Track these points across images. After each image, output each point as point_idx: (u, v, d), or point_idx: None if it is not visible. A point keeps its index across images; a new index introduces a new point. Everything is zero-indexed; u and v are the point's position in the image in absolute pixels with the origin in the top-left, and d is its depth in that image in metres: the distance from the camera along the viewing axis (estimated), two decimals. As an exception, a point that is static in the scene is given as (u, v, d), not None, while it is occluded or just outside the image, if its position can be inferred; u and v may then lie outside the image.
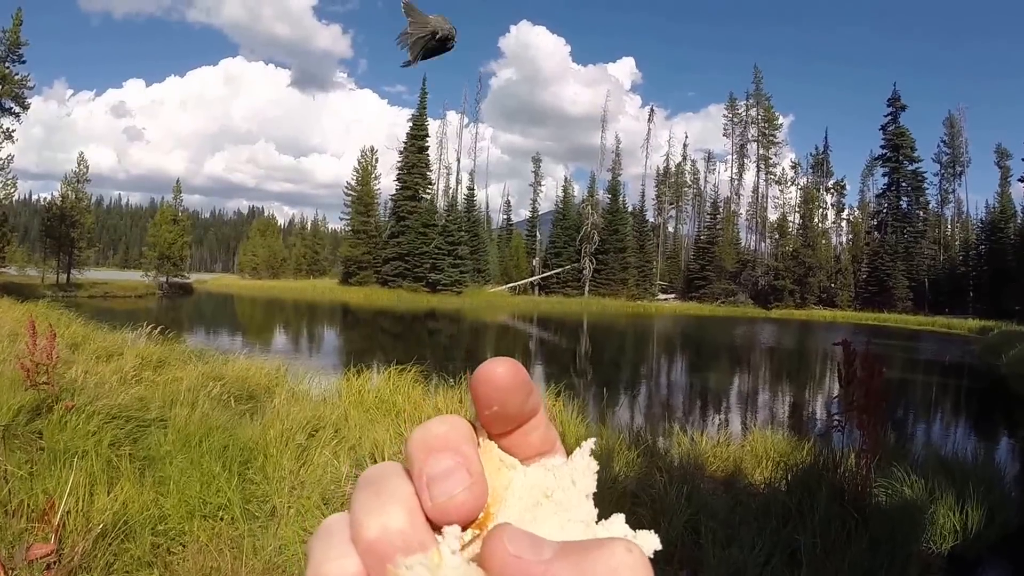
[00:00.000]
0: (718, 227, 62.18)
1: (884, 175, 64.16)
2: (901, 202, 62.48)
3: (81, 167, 47.26)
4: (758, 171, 64.68)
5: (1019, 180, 51.98)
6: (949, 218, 64.08)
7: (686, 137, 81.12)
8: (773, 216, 63.64)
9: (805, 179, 64.77)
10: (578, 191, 64.25)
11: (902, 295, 57.26)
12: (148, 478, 4.07)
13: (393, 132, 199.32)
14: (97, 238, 61.28)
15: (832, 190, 65.82)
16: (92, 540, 3.23)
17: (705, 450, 6.55)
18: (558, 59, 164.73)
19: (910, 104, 65.55)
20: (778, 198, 64.12)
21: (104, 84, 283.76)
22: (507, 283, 57.26)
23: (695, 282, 60.48)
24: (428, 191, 55.66)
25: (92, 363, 7.39)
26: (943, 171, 62.89)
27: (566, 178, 76.35)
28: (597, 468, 0.32)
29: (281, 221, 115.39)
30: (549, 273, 57.51)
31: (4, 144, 37.37)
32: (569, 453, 0.32)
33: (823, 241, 62.53)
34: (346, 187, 59.39)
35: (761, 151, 64.38)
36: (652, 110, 73.33)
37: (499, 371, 0.31)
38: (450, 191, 59.60)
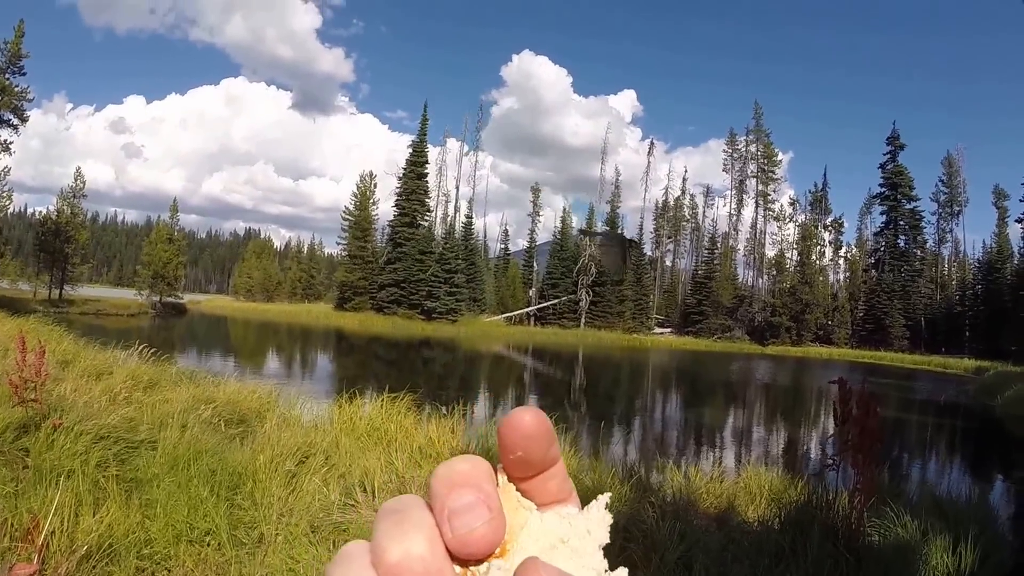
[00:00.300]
0: (716, 262, 62.57)
1: (882, 213, 65.15)
2: (899, 241, 63.29)
3: (78, 182, 47.30)
4: (756, 207, 65.31)
5: (1016, 221, 52.62)
6: (946, 257, 64.95)
7: (685, 171, 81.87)
8: (771, 252, 64.23)
9: (803, 216, 65.56)
10: (576, 222, 64.64)
11: (898, 334, 57.55)
12: (135, 500, 4.01)
13: (393, 158, 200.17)
14: (91, 254, 61.28)
15: (830, 227, 66.58)
16: (76, 562, 3.18)
17: (699, 486, 6.49)
18: (560, 90, 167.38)
19: (909, 141, 66.69)
20: (776, 234, 64.79)
21: (104, 99, 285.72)
22: (503, 313, 57.16)
23: (691, 316, 60.61)
24: (426, 218, 55.88)
25: (82, 381, 7.32)
26: (941, 210, 63.88)
27: (565, 209, 76.80)
28: (611, 521, 0.33)
29: (277, 244, 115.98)
30: (545, 304, 57.52)
31: (1, 156, 37.30)
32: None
33: (820, 278, 63.03)
34: (344, 212, 59.63)
35: (760, 187, 65.04)
36: (652, 143, 74.29)
37: (526, 419, 0.33)
38: (448, 219, 59.98)
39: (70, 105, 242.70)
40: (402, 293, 51.43)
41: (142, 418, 5.88)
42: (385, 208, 60.25)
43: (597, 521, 0.33)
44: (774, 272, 62.73)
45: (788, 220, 64.76)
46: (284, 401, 9.27)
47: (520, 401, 19.47)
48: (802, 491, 5.97)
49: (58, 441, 4.47)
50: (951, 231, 63.95)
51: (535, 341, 46.67)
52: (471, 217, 60.62)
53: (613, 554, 0.28)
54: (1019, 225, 52.67)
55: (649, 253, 67.78)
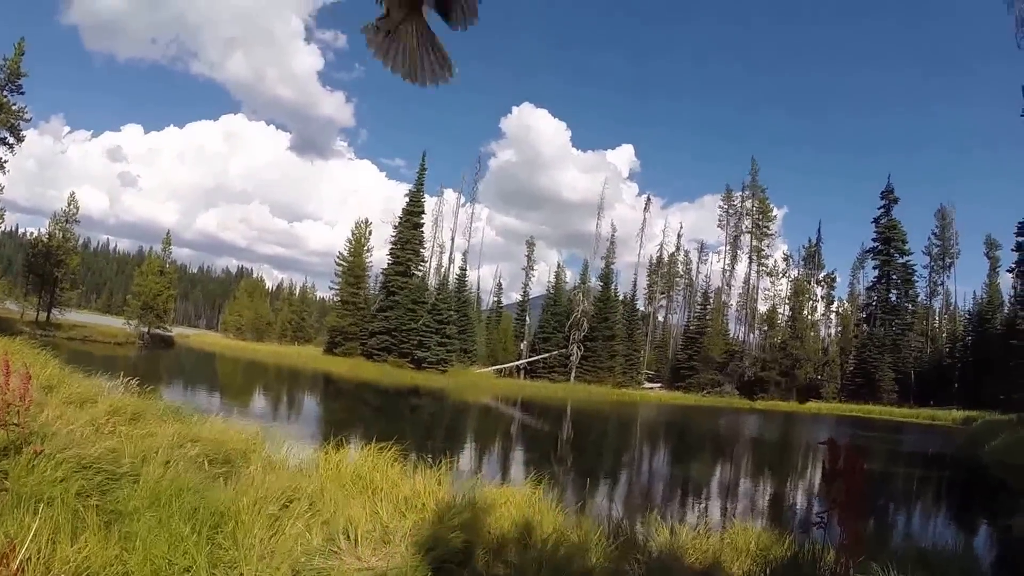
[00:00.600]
0: (708, 317, 62.79)
1: (875, 267, 65.80)
2: (890, 295, 63.79)
3: (71, 207, 47.34)
4: (750, 262, 65.81)
5: (1007, 271, 53.06)
6: (938, 310, 65.69)
7: (680, 227, 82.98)
8: (763, 308, 64.56)
9: (796, 271, 66.26)
10: (570, 277, 64.97)
11: (888, 387, 57.61)
12: (114, 533, 3.93)
13: (389, 206, 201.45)
14: (81, 280, 60.70)
15: (823, 282, 67.29)
16: (51, 592, 3.10)
17: (685, 541, 6.40)
18: (558, 144, 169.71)
19: (903, 189, 67.51)
20: (768, 290, 65.18)
21: (102, 126, 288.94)
22: (493, 365, 56.80)
23: (682, 371, 60.45)
24: (420, 268, 56.05)
25: (65, 408, 7.21)
26: (933, 263, 64.72)
27: (559, 264, 77.58)
28: None
29: (269, 284, 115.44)
30: (536, 358, 57.28)
31: (-4, 174, 36.82)
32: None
33: (811, 333, 63.32)
34: (338, 257, 59.70)
35: (754, 242, 65.63)
36: (649, 199, 75.57)
37: None
38: (442, 269, 60.22)
39: (67, 128, 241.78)
40: (393, 341, 51.16)
41: (125, 450, 5.78)
42: (379, 255, 60.56)
43: None
44: (765, 327, 62.95)
45: (781, 275, 65.40)
46: (270, 443, 9.14)
47: (507, 454, 19.22)
48: (789, 547, 5.93)
49: (39, 467, 4.40)
50: (942, 284, 64.85)
51: (524, 394, 46.32)
52: (465, 269, 60.80)
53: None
54: (1010, 275, 53.03)
55: (642, 309, 68.04)
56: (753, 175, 66.71)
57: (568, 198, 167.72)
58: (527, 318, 63.17)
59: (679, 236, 73.19)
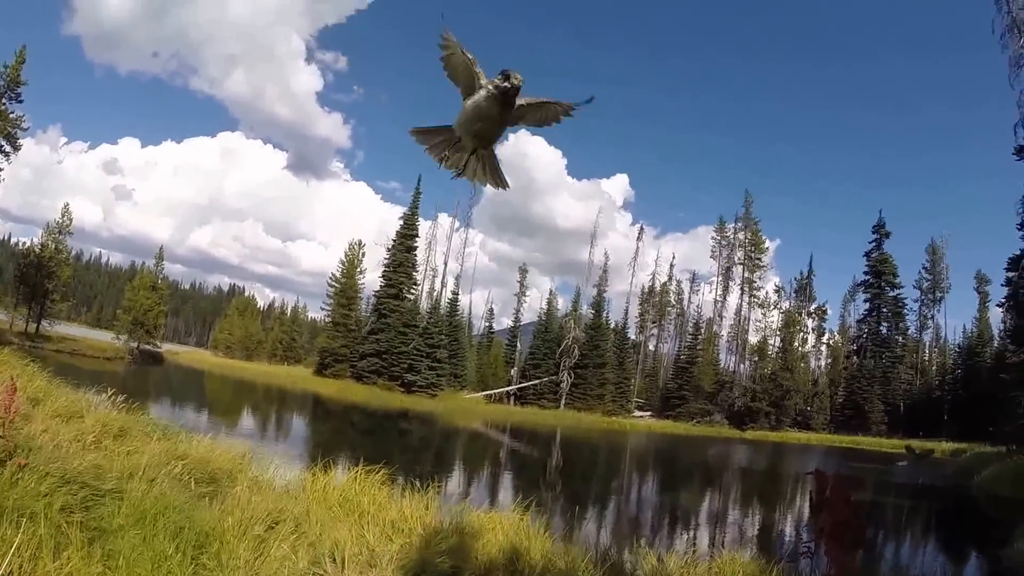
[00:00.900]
0: (698, 347, 62.86)
1: (866, 300, 66.32)
2: (881, 328, 64.19)
3: (65, 218, 47.21)
4: (742, 293, 66.02)
5: (997, 305, 53.42)
6: (928, 343, 66.11)
7: (673, 257, 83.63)
8: (754, 339, 64.59)
9: (788, 303, 66.54)
10: (562, 304, 64.90)
11: (877, 419, 57.70)
12: (97, 550, 3.89)
13: (383, 228, 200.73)
14: (72, 292, 60.27)
15: (814, 315, 67.69)
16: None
17: (672, 570, 6.38)
18: (554, 172, 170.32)
19: (895, 223, 67.98)
20: (760, 321, 65.25)
21: (99, 138, 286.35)
22: (483, 390, 56.44)
23: (672, 400, 60.33)
24: (412, 291, 55.79)
25: (51, 422, 7.15)
26: (923, 297, 65.12)
27: (551, 291, 77.53)
28: None
29: (261, 303, 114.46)
30: (527, 384, 57.03)
31: (-10, 182, 36.27)
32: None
33: (802, 364, 63.44)
34: (330, 278, 59.42)
35: (746, 274, 65.91)
36: (642, 229, 75.46)
37: None
38: (434, 293, 60.01)
39: (64, 139, 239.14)
40: (383, 364, 50.84)
41: (110, 467, 5.73)
42: (372, 278, 60.01)
43: None
44: (756, 358, 63.04)
45: (773, 307, 65.55)
46: (257, 463, 9.06)
47: (496, 479, 19.07)
48: (776, 578, 5.92)
49: (22, 481, 4.34)
50: (933, 317, 65.23)
51: (514, 420, 46.06)
52: (457, 293, 60.59)
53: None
54: (999, 309, 53.37)
55: (633, 337, 68.07)
56: (747, 207, 67.24)
57: (562, 225, 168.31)
58: (518, 344, 62.95)
59: (671, 266, 73.45)
